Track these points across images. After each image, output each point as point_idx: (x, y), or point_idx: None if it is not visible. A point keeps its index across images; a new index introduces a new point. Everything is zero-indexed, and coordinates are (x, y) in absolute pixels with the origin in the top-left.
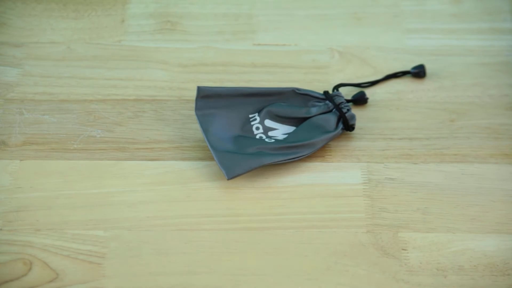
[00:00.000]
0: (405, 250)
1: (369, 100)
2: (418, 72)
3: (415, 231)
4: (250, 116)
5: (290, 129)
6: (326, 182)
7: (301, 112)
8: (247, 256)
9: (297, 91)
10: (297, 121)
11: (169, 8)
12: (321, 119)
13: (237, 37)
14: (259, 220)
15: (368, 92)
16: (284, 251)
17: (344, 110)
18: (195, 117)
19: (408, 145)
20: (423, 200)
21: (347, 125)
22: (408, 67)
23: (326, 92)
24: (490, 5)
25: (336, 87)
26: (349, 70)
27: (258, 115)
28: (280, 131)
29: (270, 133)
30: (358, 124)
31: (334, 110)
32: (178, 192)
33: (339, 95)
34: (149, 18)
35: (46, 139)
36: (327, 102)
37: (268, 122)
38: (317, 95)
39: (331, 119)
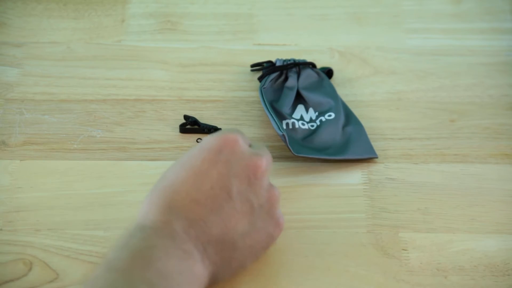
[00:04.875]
0: (405, 250)
1: (369, 100)
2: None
3: (415, 231)
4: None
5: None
6: (326, 182)
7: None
8: None
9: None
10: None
11: (169, 8)
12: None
13: (237, 37)
14: None
15: (368, 91)
16: (284, 251)
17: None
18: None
19: (408, 145)
20: (424, 200)
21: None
22: (408, 67)
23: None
24: (490, 5)
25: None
26: (349, 70)
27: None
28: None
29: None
30: None
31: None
32: None
33: (283, 60)
34: (149, 18)
35: (46, 139)
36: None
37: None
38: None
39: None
